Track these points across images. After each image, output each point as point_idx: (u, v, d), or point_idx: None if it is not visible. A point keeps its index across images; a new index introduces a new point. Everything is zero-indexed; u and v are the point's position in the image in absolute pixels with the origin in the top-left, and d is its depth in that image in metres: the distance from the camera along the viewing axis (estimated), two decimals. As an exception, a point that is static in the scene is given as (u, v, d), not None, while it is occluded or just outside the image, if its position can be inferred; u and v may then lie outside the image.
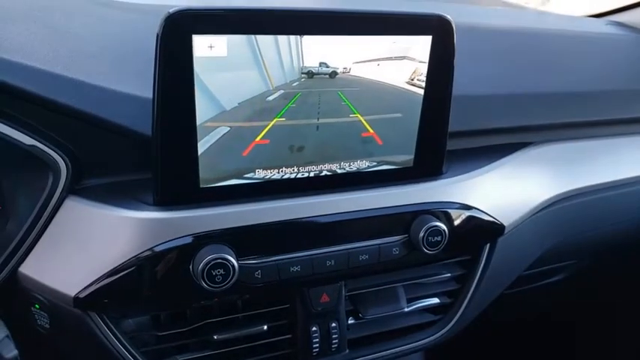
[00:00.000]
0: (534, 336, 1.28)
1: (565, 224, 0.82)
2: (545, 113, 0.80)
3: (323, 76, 0.56)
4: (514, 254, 0.77)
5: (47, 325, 0.58)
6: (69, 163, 0.55)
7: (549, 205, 0.79)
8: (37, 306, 0.57)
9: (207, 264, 0.53)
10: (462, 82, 0.65)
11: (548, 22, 1.01)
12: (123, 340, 0.57)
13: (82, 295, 0.54)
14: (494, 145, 0.80)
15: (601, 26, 1.03)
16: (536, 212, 0.77)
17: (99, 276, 0.53)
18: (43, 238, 0.56)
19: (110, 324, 0.57)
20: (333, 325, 0.66)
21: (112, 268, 0.53)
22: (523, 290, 0.98)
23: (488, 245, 0.73)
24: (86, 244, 0.55)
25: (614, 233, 0.94)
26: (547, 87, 0.80)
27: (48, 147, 0.54)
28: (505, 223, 0.72)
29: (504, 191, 0.73)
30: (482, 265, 0.73)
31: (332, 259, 0.61)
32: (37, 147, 0.53)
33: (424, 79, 0.60)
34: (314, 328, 0.65)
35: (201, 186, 0.56)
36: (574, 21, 1.09)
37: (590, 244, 0.92)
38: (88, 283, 0.54)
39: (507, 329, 1.25)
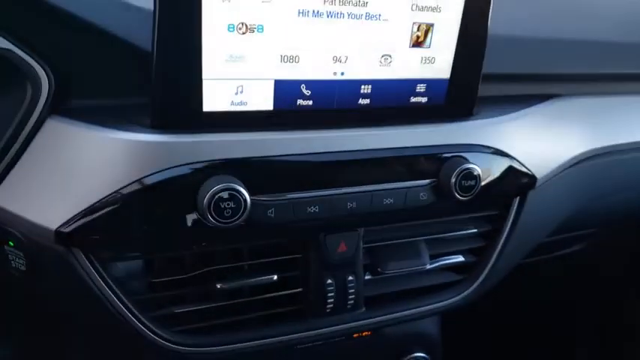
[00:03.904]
0: (544, 313, 1.24)
1: (595, 183, 0.77)
2: (581, 62, 0.74)
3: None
4: (543, 212, 0.71)
5: (23, 267, 0.50)
6: (51, 76, 0.47)
7: (580, 161, 0.73)
8: (10, 243, 0.49)
9: (215, 194, 0.46)
10: (496, 22, 0.59)
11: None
12: (113, 286, 0.50)
13: (65, 230, 0.46)
14: (523, 95, 0.73)
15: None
16: (567, 167, 0.71)
17: (86, 207, 0.46)
18: (20, 162, 0.48)
19: (98, 266, 0.49)
20: (350, 278, 0.59)
21: (101, 198, 0.46)
22: (540, 261, 0.92)
23: (517, 200, 0.67)
24: (71, 171, 0.47)
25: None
26: (585, 34, 0.74)
27: (26, 53, 0.46)
28: (537, 176, 0.66)
29: (537, 141, 0.67)
30: (510, 220, 0.67)
31: (353, 200, 0.54)
32: (12, 52, 0.45)
33: None
34: (329, 281, 0.58)
35: (204, 110, 0.48)
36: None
37: (616, 209, 0.87)
38: (73, 215, 0.46)
39: (518, 306, 1.21)
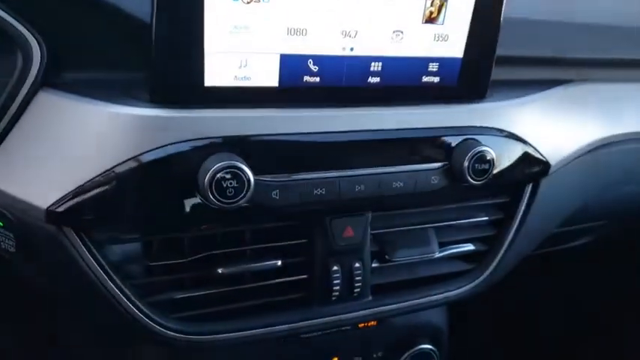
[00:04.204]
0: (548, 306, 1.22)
1: (608, 172, 0.74)
2: (596, 47, 0.71)
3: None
4: (555, 200, 0.68)
5: (12, 249, 0.47)
6: (43, 46, 0.44)
7: (595, 149, 0.70)
8: (0, 223, 0.46)
9: (216, 173, 0.43)
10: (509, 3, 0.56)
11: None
12: (108, 269, 0.47)
13: (57, 209, 0.43)
14: (535, 80, 0.71)
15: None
16: (581, 155, 0.69)
17: (79, 185, 0.43)
18: (9, 137, 0.45)
19: (93, 248, 0.46)
20: (357, 265, 0.56)
21: (95, 175, 0.43)
22: (546, 254, 0.90)
23: (530, 187, 0.64)
24: (63, 147, 0.44)
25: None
26: (601, 18, 0.71)
27: (17, 21, 0.43)
28: (551, 162, 0.63)
29: (551, 126, 0.64)
30: (522, 208, 0.64)
31: (362, 183, 0.51)
32: (2, 19, 0.42)
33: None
34: (335, 268, 0.56)
35: (206, 84, 0.45)
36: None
37: (628, 200, 0.84)
38: (65, 193, 0.43)
39: (524, 299, 1.19)
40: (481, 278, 0.65)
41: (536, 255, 0.84)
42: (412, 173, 0.53)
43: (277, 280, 0.55)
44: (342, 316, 0.58)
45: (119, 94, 0.46)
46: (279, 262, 0.53)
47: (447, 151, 0.55)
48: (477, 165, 0.54)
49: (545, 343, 1.21)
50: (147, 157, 0.43)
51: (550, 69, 0.72)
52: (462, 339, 0.86)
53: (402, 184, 0.53)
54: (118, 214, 0.45)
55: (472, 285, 0.65)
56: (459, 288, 0.65)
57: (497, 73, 0.66)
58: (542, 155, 0.62)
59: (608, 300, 1.15)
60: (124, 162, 0.43)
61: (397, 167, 0.53)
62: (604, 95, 0.72)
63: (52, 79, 0.46)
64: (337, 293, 0.56)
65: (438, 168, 0.54)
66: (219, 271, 0.51)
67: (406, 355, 0.71)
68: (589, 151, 0.70)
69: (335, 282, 0.56)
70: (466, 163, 0.54)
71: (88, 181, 0.43)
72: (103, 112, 0.44)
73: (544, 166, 0.63)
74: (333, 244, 0.55)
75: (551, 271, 1.09)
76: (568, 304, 1.17)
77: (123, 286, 0.48)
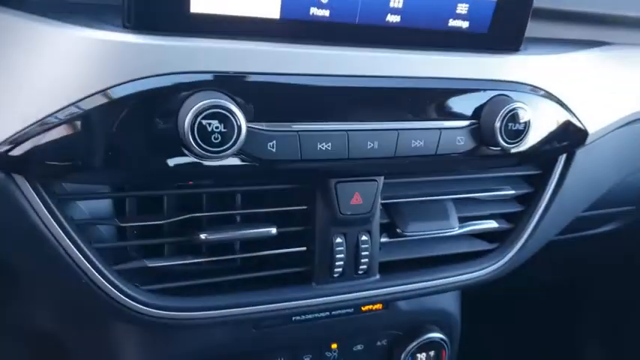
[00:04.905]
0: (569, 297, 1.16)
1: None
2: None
3: None
4: (589, 176, 0.61)
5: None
6: (-5, -47, 0.37)
7: (635, 121, 0.62)
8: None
9: (200, 112, 0.35)
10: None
11: None
12: (69, 230, 0.40)
13: (6, 151, 0.36)
14: (577, 40, 0.63)
15: None
16: (620, 126, 0.61)
17: (34, 121, 0.36)
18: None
19: (51, 203, 0.39)
20: (364, 238, 0.49)
21: (55, 110, 0.36)
22: (571, 239, 0.82)
23: (563, 158, 0.57)
24: (16, 75, 0.37)
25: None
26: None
27: None
28: (589, 131, 0.56)
29: (591, 90, 0.57)
30: (554, 182, 0.57)
31: (375, 139, 0.44)
32: None
33: None
34: (338, 240, 0.48)
35: (192, 11, 0.38)
36: None
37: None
38: (16, 131, 0.36)
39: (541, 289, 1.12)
40: (503, 260, 0.58)
41: (560, 240, 0.77)
42: (435, 131, 0.45)
43: (271, 252, 0.47)
44: (345, 297, 0.51)
45: (86, 17, 0.38)
46: (274, 230, 0.46)
47: (477, 108, 0.47)
48: (510, 125, 0.46)
49: (566, 337, 1.14)
50: (118, 92, 0.36)
51: (595, 28, 0.64)
52: (475, 328, 0.78)
53: (422, 143, 0.45)
54: (81, 161, 0.37)
55: (492, 268, 0.57)
56: (478, 270, 0.57)
57: (534, 30, 0.59)
58: (580, 121, 0.54)
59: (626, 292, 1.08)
60: (89, 96, 0.36)
61: (417, 123, 0.45)
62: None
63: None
64: (340, 269, 0.49)
65: (465, 127, 0.47)
66: (203, 237, 0.43)
67: (413, 344, 0.64)
68: (629, 123, 0.62)
69: (338, 256, 0.48)
70: (498, 123, 0.46)
71: (46, 117, 0.35)
72: (66, 36, 0.36)
73: (582, 134, 0.55)
74: (337, 213, 0.47)
75: (574, 258, 1.02)
76: (589, 295, 1.11)
77: (87, 251, 0.40)
